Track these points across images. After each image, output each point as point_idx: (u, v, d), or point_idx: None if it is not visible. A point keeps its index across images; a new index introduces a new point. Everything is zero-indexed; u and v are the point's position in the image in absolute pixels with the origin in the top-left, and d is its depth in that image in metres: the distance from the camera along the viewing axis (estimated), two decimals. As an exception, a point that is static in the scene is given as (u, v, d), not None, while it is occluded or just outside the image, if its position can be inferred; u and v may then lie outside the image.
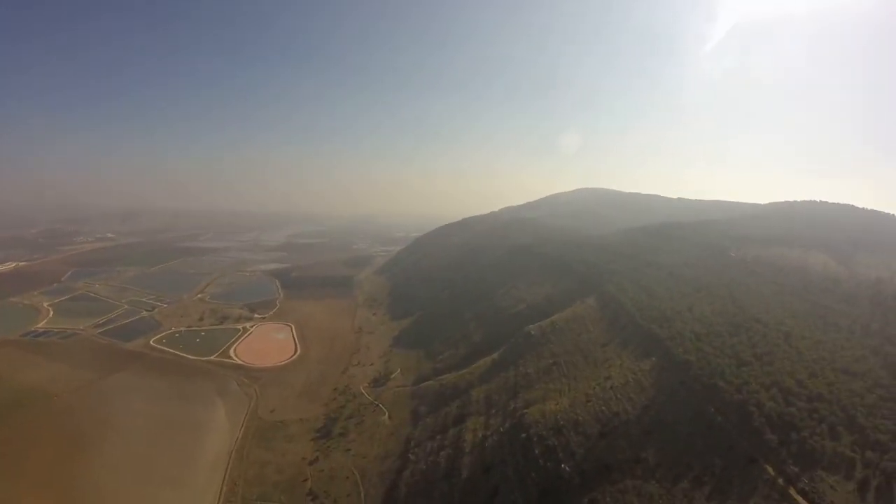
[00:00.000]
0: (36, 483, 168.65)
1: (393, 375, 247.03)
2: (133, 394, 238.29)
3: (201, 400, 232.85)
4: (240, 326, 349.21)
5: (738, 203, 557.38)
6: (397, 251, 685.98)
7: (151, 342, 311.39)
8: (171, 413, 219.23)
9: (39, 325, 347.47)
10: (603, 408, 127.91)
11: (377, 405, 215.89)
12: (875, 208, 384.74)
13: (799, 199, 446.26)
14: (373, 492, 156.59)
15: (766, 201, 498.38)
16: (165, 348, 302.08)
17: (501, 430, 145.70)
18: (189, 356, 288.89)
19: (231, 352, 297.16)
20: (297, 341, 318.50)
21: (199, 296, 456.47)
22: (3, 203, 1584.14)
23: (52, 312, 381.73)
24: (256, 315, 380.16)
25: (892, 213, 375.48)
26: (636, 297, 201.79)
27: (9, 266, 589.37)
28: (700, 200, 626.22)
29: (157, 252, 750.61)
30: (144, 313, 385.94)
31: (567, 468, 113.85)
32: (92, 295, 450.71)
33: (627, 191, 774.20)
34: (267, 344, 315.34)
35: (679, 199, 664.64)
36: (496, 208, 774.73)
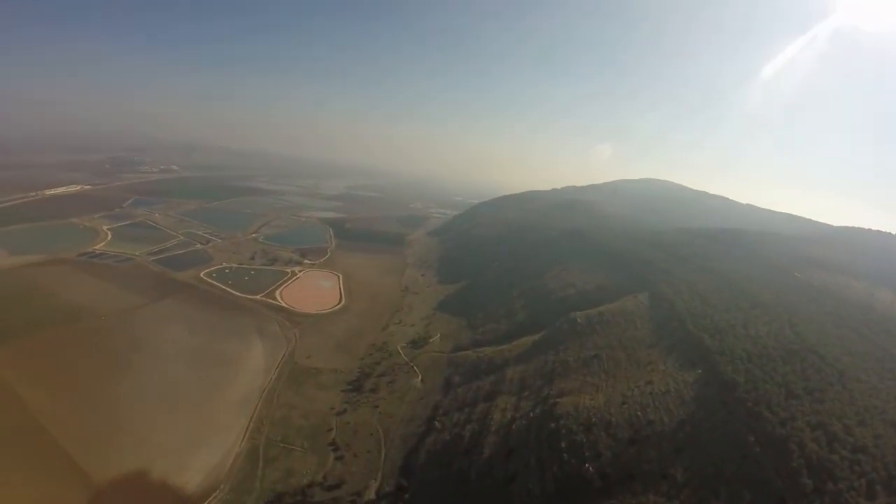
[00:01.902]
0: (70, 394, 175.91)
1: (432, 339, 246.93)
2: (176, 322, 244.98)
3: (241, 336, 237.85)
4: (288, 270, 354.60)
5: (807, 220, 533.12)
6: (453, 215, 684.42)
7: (201, 274, 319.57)
8: (210, 345, 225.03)
9: (97, 248, 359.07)
10: (638, 413, 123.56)
11: (412, 367, 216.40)
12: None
13: (872, 228, 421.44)
14: (393, 453, 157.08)
15: (838, 224, 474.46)
16: (214, 282, 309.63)
17: (531, 414, 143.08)
18: (235, 292, 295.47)
19: (277, 293, 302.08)
20: (342, 292, 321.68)
21: (253, 235, 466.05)
22: (81, 128, 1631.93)
23: (110, 236, 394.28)
24: (306, 261, 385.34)
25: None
26: (690, 303, 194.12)
27: (73, 188, 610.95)
28: (769, 210, 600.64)
29: (216, 188, 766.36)
30: (198, 246, 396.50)
31: (590, 469, 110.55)
32: (150, 223, 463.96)
33: (695, 188, 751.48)
34: (312, 290, 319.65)
35: (748, 205, 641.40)
36: (559, 186, 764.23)
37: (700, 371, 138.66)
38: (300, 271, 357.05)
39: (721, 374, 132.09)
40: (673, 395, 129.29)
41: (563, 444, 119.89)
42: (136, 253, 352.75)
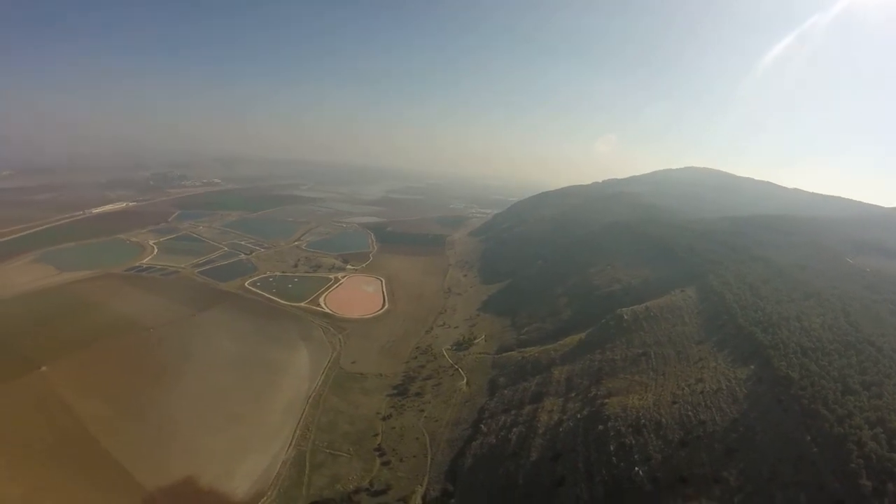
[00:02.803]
0: (121, 404, 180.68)
1: (476, 341, 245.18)
2: (222, 331, 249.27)
3: (286, 343, 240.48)
4: (331, 276, 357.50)
5: (858, 202, 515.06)
6: (494, 214, 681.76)
7: (246, 284, 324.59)
8: (256, 353, 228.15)
9: (144, 261, 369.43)
10: (689, 413, 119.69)
11: (457, 369, 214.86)
12: None
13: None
14: (439, 457, 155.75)
15: (889, 205, 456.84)
16: (258, 291, 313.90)
17: (578, 416, 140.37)
18: (280, 300, 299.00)
19: (321, 300, 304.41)
20: (385, 296, 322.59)
21: (296, 243, 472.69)
22: (123, 147, 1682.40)
23: (156, 250, 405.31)
24: (349, 266, 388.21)
25: None
26: (740, 294, 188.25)
27: (120, 205, 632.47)
28: (817, 194, 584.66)
29: (258, 198, 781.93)
30: (242, 256, 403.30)
31: (640, 472, 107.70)
32: (195, 236, 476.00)
33: (739, 174, 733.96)
34: (356, 295, 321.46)
35: (795, 189, 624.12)
36: (599, 179, 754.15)
37: (753, 367, 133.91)
38: (343, 277, 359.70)
39: (775, 369, 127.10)
40: (725, 393, 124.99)
41: (611, 447, 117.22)
42: (182, 265, 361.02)
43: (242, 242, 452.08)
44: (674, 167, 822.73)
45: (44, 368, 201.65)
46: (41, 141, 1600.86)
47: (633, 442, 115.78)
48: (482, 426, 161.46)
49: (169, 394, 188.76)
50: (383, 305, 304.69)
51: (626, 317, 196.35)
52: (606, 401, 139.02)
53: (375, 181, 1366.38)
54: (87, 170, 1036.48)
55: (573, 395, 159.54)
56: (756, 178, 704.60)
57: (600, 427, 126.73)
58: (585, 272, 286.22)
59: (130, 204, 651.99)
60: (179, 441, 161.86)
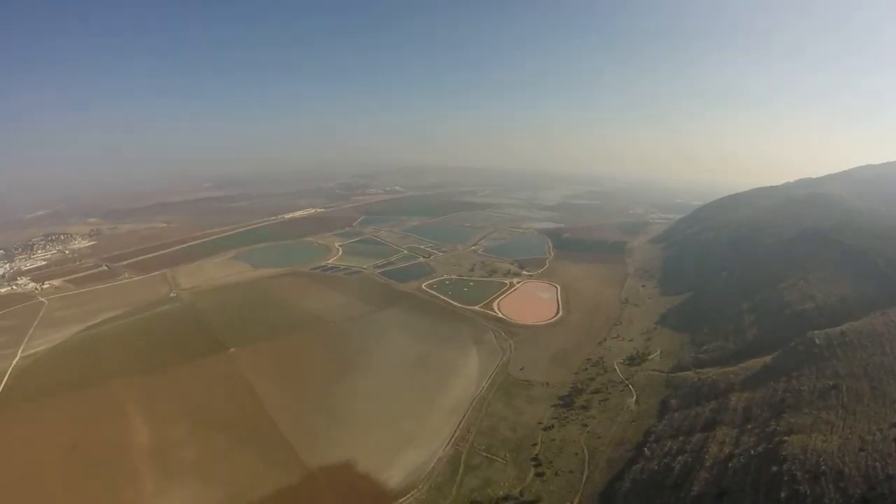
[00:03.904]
0: (298, 389, 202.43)
1: (651, 356, 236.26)
2: (398, 330, 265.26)
3: (458, 345, 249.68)
4: (507, 281, 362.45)
5: None
6: (676, 220, 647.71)
7: (423, 286, 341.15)
8: (429, 352, 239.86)
9: (329, 262, 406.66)
10: (877, 464, 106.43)
11: (627, 385, 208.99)
12: None
13: None
14: (596, 476, 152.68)
15: None
16: (435, 293, 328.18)
17: (752, 452, 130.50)
18: (454, 303, 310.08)
19: (494, 305, 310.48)
20: (559, 303, 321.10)
21: (473, 248, 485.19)
22: (312, 164, 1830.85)
23: (340, 251, 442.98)
24: (524, 272, 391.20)
25: None
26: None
27: (309, 212, 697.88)
28: None
29: (438, 205, 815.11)
30: (421, 259, 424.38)
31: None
32: (377, 239, 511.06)
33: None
34: (530, 302, 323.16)
35: None
36: (790, 179, 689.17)
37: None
38: (518, 283, 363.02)
39: None
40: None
41: (783, 494, 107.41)
42: (364, 266, 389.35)
43: (421, 246, 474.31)
44: (875, 162, 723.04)
45: (232, 350, 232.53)
46: (235, 159, 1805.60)
47: (808, 491, 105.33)
48: (646, 449, 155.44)
49: (343, 384, 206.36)
50: (557, 313, 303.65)
51: (818, 341, 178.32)
52: (786, 438, 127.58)
53: (553, 186, 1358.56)
54: (279, 182, 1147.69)
55: (750, 426, 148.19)
56: None
57: (774, 468, 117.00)
58: (775, 286, 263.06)
59: (318, 210, 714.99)
60: (346, 428, 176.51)
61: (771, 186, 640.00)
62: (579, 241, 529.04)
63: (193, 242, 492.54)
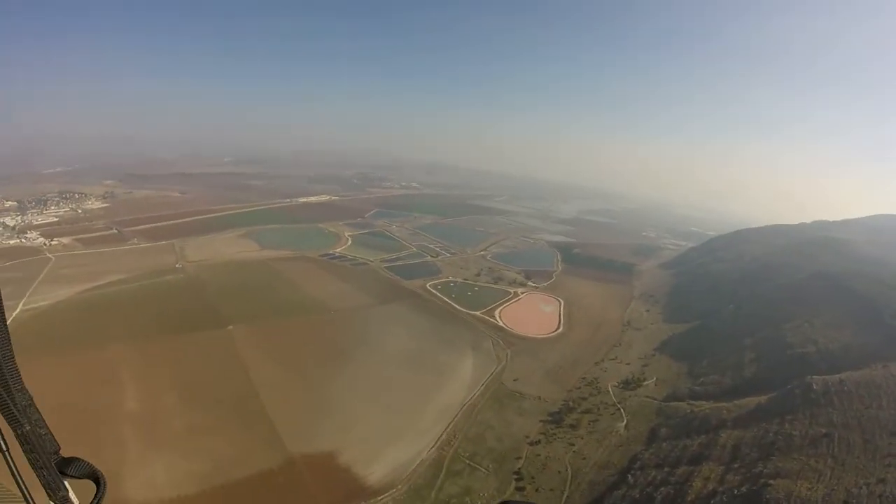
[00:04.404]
0: (291, 374, 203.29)
1: (646, 382, 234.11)
2: (398, 326, 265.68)
3: (455, 348, 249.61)
4: (511, 290, 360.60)
5: None
6: (688, 247, 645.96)
7: (427, 285, 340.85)
8: (424, 351, 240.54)
9: (337, 250, 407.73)
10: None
11: (619, 409, 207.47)
12: None
13: None
14: (576, 497, 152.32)
15: None
16: (438, 294, 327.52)
17: (735, 492, 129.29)
18: (457, 306, 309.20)
19: (496, 312, 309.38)
20: (561, 318, 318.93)
21: (482, 252, 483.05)
22: (331, 148, 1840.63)
23: (350, 241, 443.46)
24: (530, 283, 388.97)
25: None
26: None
27: (324, 198, 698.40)
28: None
29: (452, 205, 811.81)
30: (429, 258, 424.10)
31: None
32: (387, 233, 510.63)
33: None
34: (532, 313, 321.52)
35: None
36: (807, 220, 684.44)
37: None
38: (522, 293, 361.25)
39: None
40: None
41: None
42: (371, 259, 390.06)
43: (431, 245, 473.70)
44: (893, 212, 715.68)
45: (230, 327, 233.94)
46: (258, 138, 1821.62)
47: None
48: (630, 476, 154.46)
49: (336, 374, 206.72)
50: (558, 328, 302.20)
51: (815, 386, 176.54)
52: (772, 482, 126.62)
53: (570, 199, 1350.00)
54: (297, 165, 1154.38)
55: (736, 465, 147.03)
56: None
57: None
58: (779, 326, 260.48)
59: (333, 198, 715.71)
60: (334, 417, 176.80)
61: (787, 225, 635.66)
62: (589, 258, 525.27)
63: (206, 216, 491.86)
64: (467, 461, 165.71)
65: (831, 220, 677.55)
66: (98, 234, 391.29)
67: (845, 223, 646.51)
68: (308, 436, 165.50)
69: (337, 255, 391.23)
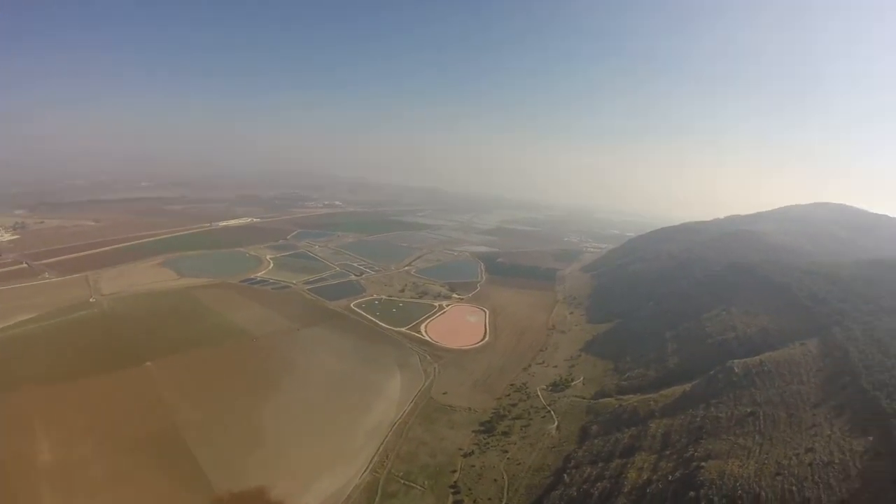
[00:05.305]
0: (213, 407, 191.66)
1: (574, 383, 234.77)
2: (322, 349, 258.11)
3: (382, 367, 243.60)
4: (436, 303, 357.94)
5: None
6: (608, 250, 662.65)
7: (352, 304, 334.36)
8: (351, 373, 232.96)
9: (259, 274, 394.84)
10: (793, 488, 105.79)
11: (549, 411, 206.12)
12: None
13: None
14: (515, 503, 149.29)
15: None
16: (363, 312, 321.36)
17: (670, 478, 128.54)
18: (382, 324, 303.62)
19: (422, 327, 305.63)
20: (487, 328, 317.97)
21: (406, 268, 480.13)
22: (254, 168, 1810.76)
23: (271, 265, 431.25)
24: (455, 295, 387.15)
25: None
26: (866, 352, 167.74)
27: (245, 221, 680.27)
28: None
29: (375, 222, 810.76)
30: (352, 277, 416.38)
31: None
32: (310, 254, 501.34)
33: (873, 211, 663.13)
34: (458, 325, 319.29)
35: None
36: (721, 215, 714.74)
37: (871, 439, 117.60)
38: (448, 305, 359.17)
39: None
40: (837, 467, 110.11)
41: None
42: (294, 281, 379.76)
43: (354, 264, 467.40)
44: (802, 202, 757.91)
45: (148, 364, 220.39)
46: (180, 159, 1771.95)
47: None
48: (565, 476, 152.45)
49: (262, 403, 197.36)
50: (484, 337, 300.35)
51: (736, 370, 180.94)
52: (703, 464, 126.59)
53: (492, 210, 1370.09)
54: (218, 187, 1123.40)
55: (668, 452, 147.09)
56: (892, 214, 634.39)
57: (692, 494, 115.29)
58: (699, 317, 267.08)
59: (254, 220, 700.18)
60: (262, 451, 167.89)
61: (701, 221, 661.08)
62: (512, 267, 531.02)
63: (122, 244, 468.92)
64: (402, 481, 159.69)
65: (743, 213, 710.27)
66: (6, 269, 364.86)
67: (757, 216, 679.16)
68: (236, 472, 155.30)
69: (258, 279, 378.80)
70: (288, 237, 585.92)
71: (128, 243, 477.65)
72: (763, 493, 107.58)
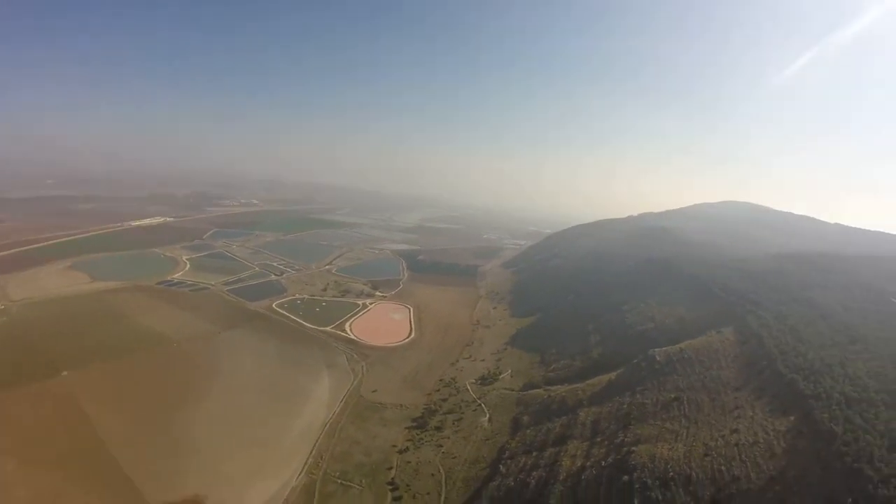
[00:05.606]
0: (137, 417, 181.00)
1: (502, 376, 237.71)
2: (246, 351, 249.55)
3: (308, 368, 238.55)
4: (360, 302, 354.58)
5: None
6: (527, 246, 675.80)
7: (274, 305, 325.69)
8: (277, 376, 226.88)
9: (175, 276, 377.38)
10: (722, 467, 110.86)
11: (480, 405, 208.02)
12: None
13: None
14: (453, 496, 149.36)
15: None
16: (285, 313, 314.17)
17: (603, 463, 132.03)
18: (306, 324, 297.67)
19: (347, 325, 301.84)
20: (412, 325, 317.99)
21: (327, 267, 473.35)
22: (164, 166, 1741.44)
23: (188, 266, 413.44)
24: (378, 293, 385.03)
25: None
26: (780, 338, 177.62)
27: (158, 220, 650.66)
28: (860, 230, 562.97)
29: (294, 221, 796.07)
30: (273, 277, 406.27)
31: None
32: (228, 254, 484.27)
33: (778, 209, 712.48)
34: (383, 323, 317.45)
35: (836, 224, 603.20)
36: (634, 213, 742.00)
37: (793, 418, 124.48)
38: (371, 303, 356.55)
39: (816, 422, 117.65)
40: (762, 446, 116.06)
41: (636, 501, 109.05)
42: (212, 282, 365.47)
43: (274, 263, 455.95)
44: (712, 201, 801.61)
45: (65, 374, 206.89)
46: (87, 156, 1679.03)
47: (660, 497, 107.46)
48: (501, 466, 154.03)
49: (187, 411, 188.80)
50: (410, 334, 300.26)
51: (658, 358, 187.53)
52: (634, 449, 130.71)
53: (412, 209, 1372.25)
54: (129, 185, 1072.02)
55: (599, 439, 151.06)
56: (796, 212, 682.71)
57: (625, 478, 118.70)
58: (619, 309, 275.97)
59: (168, 219, 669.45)
60: (192, 459, 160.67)
61: (616, 219, 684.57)
62: (434, 264, 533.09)
63: (28, 247, 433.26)
64: (339, 481, 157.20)
65: (656, 211, 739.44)
66: None
67: (668, 213, 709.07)
68: (169, 483, 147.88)
69: (175, 281, 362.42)
70: (204, 237, 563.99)
71: (35, 245, 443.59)
72: (694, 474, 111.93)
